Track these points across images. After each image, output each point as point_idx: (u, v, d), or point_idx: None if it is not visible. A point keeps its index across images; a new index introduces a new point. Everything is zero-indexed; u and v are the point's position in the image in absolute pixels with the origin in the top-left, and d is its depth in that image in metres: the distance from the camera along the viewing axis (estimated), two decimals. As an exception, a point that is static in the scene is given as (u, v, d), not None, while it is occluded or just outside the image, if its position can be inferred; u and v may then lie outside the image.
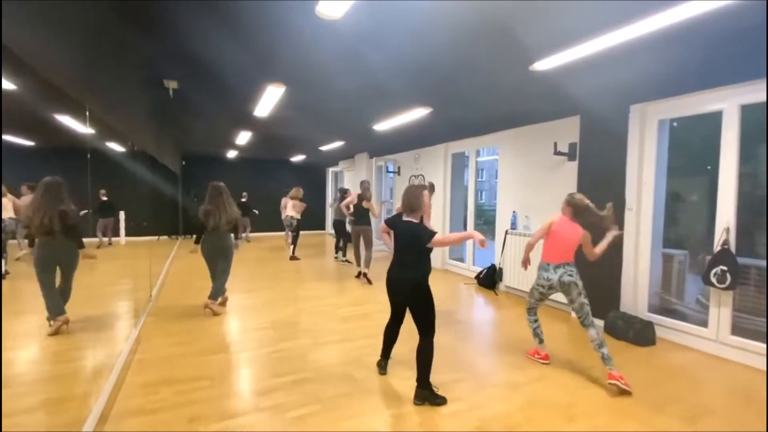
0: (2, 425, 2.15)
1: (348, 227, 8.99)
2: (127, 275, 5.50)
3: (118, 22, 2.54)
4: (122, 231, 3.57)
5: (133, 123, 3.64)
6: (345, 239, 7.59)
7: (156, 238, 8.72)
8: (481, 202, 15.92)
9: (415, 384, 2.53)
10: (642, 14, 2.31)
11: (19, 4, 1.57)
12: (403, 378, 2.82)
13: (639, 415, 2.43)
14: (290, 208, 7.98)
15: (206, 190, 4.27)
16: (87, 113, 2.34)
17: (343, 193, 7.41)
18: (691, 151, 5.18)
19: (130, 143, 4.08)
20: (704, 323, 3.48)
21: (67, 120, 2.98)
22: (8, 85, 1.97)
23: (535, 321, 3.19)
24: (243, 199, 10.15)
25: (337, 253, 7.94)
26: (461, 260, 6.92)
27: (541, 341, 3.17)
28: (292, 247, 7.95)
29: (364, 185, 6.06)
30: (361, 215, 6.01)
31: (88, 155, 2.45)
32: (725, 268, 3.17)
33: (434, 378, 2.58)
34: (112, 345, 3.48)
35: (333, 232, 8.08)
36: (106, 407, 2.36)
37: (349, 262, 7.46)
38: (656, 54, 2.94)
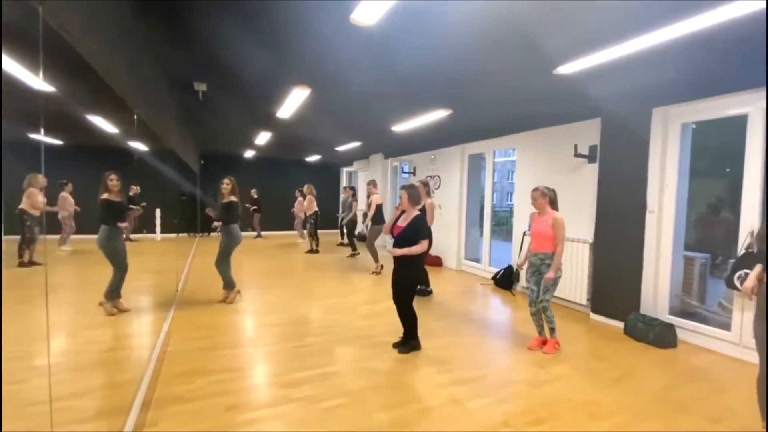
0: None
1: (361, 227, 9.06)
2: (153, 270, 5.68)
3: (155, 25, 2.67)
4: (158, 228, 3.71)
5: (165, 124, 3.79)
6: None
7: (175, 235, 8.93)
8: (492, 203, 15.86)
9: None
10: (668, 20, 2.34)
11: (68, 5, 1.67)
12: (427, 374, 2.90)
13: (662, 414, 2.46)
14: (310, 204, 8.29)
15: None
16: (135, 117, 2.46)
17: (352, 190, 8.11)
18: (708, 153, 5.13)
19: (163, 142, 4.24)
20: (726, 326, 3.49)
21: (105, 123, 3.13)
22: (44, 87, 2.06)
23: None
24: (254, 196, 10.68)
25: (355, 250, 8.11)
26: (477, 261, 6.96)
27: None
28: (313, 240, 8.41)
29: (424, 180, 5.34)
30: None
31: (135, 156, 2.58)
32: (749, 271, 3.17)
33: (456, 374, 2.71)
34: (146, 337, 3.62)
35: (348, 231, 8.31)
36: (147, 395, 2.49)
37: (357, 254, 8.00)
38: (681, 57, 2.96)
